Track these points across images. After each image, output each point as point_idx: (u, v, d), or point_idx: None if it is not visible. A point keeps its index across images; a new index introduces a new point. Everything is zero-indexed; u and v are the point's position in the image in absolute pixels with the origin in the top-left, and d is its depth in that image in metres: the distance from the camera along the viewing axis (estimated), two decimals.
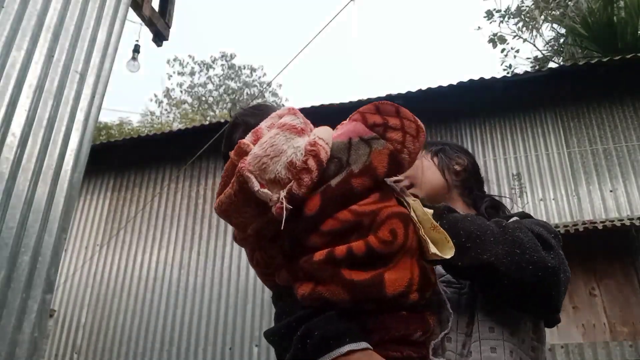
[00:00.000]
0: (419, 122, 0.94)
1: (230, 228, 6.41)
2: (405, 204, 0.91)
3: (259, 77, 22.08)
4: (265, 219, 0.89)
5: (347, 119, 0.97)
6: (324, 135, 0.91)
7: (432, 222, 0.88)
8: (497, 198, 1.15)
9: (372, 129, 0.89)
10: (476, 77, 5.87)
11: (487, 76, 5.91)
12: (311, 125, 0.99)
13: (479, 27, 18.36)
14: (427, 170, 1.10)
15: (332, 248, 0.84)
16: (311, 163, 0.86)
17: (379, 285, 0.82)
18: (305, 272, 0.87)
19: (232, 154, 0.93)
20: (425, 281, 0.86)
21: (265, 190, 0.86)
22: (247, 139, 0.94)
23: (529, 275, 0.83)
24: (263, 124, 0.97)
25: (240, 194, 0.89)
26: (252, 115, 1.09)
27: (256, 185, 0.86)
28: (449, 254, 0.85)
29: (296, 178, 0.86)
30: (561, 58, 11.65)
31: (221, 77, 21.98)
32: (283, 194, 0.86)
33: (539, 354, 0.91)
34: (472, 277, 0.90)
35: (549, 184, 5.66)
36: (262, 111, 1.07)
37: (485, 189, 1.15)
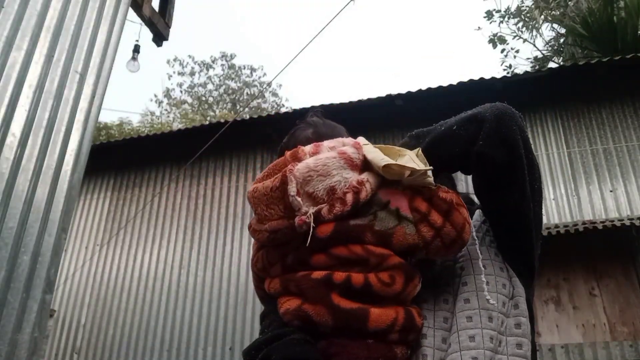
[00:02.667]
0: (465, 233, 0.92)
1: (230, 228, 6.42)
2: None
3: (259, 77, 22.11)
4: (285, 224, 0.93)
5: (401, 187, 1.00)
6: (374, 181, 0.95)
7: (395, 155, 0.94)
8: (465, 193, 1.19)
9: (412, 211, 0.92)
10: (476, 77, 5.88)
11: (487, 76, 5.93)
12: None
13: (479, 27, 18.39)
14: None
15: (332, 272, 0.88)
16: (349, 197, 0.91)
17: (363, 318, 0.85)
18: (298, 287, 0.90)
19: (288, 153, 0.99)
20: (410, 324, 0.89)
21: (299, 199, 0.91)
22: (307, 149, 1.00)
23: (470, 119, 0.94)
24: (326, 143, 1.01)
25: (278, 191, 0.94)
26: (325, 125, 1.16)
27: (293, 191, 0.91)
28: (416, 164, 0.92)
29: (330, 203, 0.91)
30: (561, 58, 11.65)
31: (221, 77, 21.99)
32: (312, 210, 0.91)
33: (525, 329, 0.91)
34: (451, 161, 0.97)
35: (549, 184, 5.66)
36: (334, 128, 1.16)
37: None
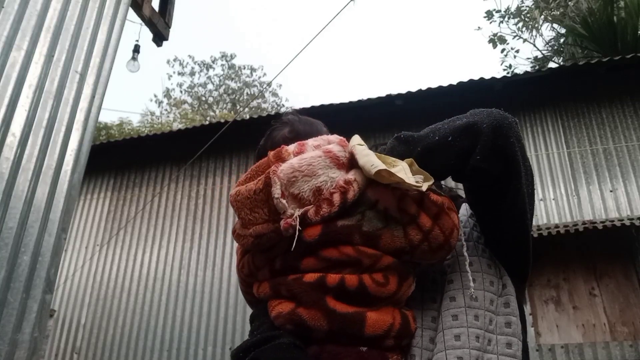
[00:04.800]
0: (452, 238, 0.88)
1: (230, 228, 6.41)
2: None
3: (259, 77, 22.11)
4: (271, 227, 0.88)
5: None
6: (361, 180, 0.90)
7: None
8: (445, 187, 1.18)
9: (400, 212, 0.87)
10: (476, 77, 5.88)
11: (487, 76, 5.92)
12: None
13: (479, 27, 18.49)
14: None
15: (325, 274, 0.85)
16: (336, 198, 0.86)
17: (359, 323, 0.82)
18: (290, 291, 0.87)
19: (271, 154, 0.94)
20: (405, 330, 0.87)
21: (284, 201, 0.86)
22: (291, 148, 0.94)
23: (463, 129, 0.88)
24: (311, 141, 0.97)
25: (262, 194, 0.89)
26: (302, 123, 1.12)
27: (277, 193, 0.86)
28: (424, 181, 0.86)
29: (316, 204, 0.87)
30: (561, 58, 11.66)
31: (221, 77, 21.99)
32: (298, 212, 0.86)
33: (515, 328, 0.90)
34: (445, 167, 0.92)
35: (549, 184, 5.66)
36: (312, 125, 1.11)
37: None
